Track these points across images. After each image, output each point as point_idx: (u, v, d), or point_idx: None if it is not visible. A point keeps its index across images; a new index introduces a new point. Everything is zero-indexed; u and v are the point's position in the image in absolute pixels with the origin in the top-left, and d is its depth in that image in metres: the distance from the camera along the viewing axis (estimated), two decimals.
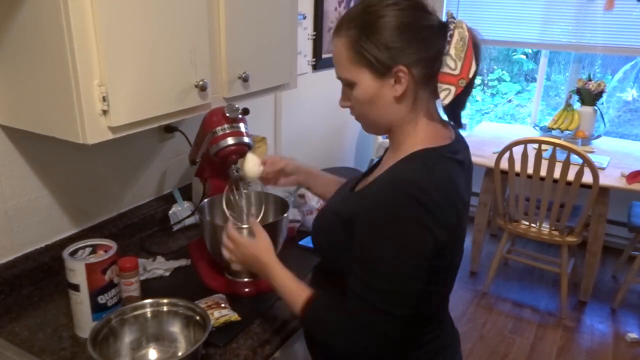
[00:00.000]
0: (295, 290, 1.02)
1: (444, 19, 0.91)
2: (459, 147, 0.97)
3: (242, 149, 1.37)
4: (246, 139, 1.37)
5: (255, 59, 1.47)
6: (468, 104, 0.92)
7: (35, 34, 1.02)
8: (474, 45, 0.88)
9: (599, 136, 3.34)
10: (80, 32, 0.98)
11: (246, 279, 1.38)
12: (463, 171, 0.95)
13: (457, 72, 0.86)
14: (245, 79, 1.43)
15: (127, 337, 1.11)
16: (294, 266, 1.48)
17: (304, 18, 2.56)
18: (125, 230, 1.60)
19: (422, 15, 0.87)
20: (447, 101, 0.88)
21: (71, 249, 1.14)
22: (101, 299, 1.14)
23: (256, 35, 1.45)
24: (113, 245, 1.17)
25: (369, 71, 0.88)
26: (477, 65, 0.88)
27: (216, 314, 1.18)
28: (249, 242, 1.09)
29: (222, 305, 1.23)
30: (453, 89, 0.87)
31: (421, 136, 0.92)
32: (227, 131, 1.35)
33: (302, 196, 1.75)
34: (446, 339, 1.08)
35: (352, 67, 0.90)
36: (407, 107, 0.91)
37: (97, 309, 1.14)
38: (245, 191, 1.47)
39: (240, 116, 1.37)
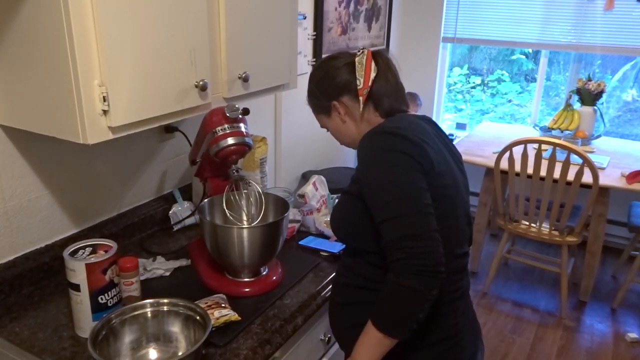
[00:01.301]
0: (362, 337, 1.08)
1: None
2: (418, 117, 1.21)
3: (242, 149, 1.38)
4: (246, 139, 1.37)
5: (255, 59, 1.47)
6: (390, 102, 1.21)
7: (36, 34, 1.03)
8: (375, 59, 1.17)
9: (599, 136, 3.34)
10: (80, 32, 0.98)
11: (246, 279, 1.38)
12: (429, 125, 1.19)
13: (361, 86, 1.16)
14: (245, 79, 1.43)
15: (127, 337, 1.11)
16: (294, 266, 1.49)
17: (304, 18, 2.56)
18: (125, 230, 1.60)
19: (331, 63, 1.21)
20: (360, 108, 1.18)
21: (71, 249, 1.14)
22: (101, 299, 1.14)
23: (256, 35, 1.45)
24: (113, 245, 1.17)
25: (324, 115, 1.24)
26: (381, 67, 1.17)
27: (216, 314, 1.18)
28: None
29: (222, 305, 1.23)
30: (361, 98, 1.17)
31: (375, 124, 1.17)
32: (227, 131, 1.35)
33: (302, 196, 1.75)
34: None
35: (318, 117, 1.27)
36: (354, 122, 1.21)
37: (97, 308, 1.14)
38: (245, 191, 1.47)
39: (240, 116, 1.37)
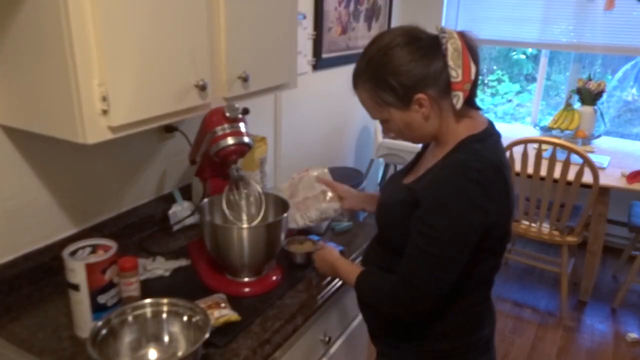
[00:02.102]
0: (351, 270, 1.21)
1: (435, 32, 1.04)
2: (494, 129, 1.11)
3: (242, 149, 1.37)
4: (246, 139, 1.37)
5: (255, 59, 1.47)
6: (477, 92, 1.10)
7: (35, 34, 1.02)
8: (469, 49, 1.01)
9: (599, 136, 3.34)
10: (80, 32, 0.98)
11: (246, 279, 1.38)
12: (502, 149, 1.10)
13: (459, 79, 1.00)
14: (245, 79, 1.42)
15: (127, 337, 1.11)
16: (294, 266, 1.49)
17: (304, 18, 2.56)
18: (125, 230, 1.60)
19: (417, 45, 1.01)
20: (459, 105, 1.02)
21: (71, 249, 1.14)
22: (101, 299, 1.14)
23: (256, 35, 1.45)
24: (113, 245, 1.17)
25: (395, 108, 1.05)
26: (476, 65, 1.02)
27: (216, 314, 1.18)
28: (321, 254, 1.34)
29: (222, 305, 1.23)
30: (461, 94, 1.01)
31: (459, 131, 1.06)
32: (227, 131, 1.35)
33: None
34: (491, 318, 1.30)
35: (380, 109, 1.07)
36: (437, 118, 1.05)
37: (97, 308, 1.14)
38: (245, 191, 1.47)
39: (240, 116, 1.37)
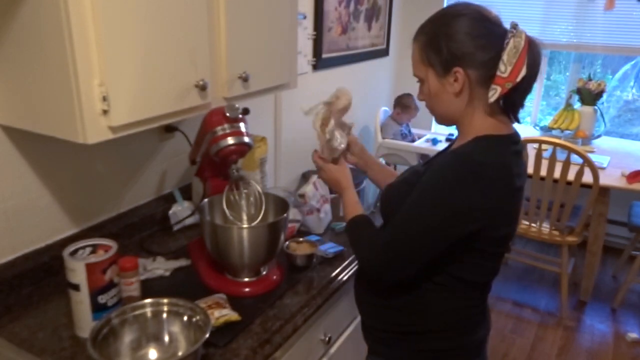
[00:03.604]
0: (354, 209, 1.23)
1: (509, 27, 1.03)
2: (518, 139, 1.10)
3: (242, 149, 1.38)
4: (246, 139, 1.37)
5: (255, 59, 1.47)
6: (524, 103, 1.09)
7: (36, 34, 1.02)
8: (530, 53, 1.00)
9: (599, 136, 3.34)
10: (80, 32, 0.98)
11: (246, 279, 1.38)
12: (519, 160, 1.08)
13: (505, 75, 0.99)
14: (245, 79, 1.42)
15: (127, 337, 1.11)
16: (294, 266, 1.49)
17: (304, 18, 2.56)
18: (125, 230, 1.60)
19: (483, 25, 1.02)
20: (492, 99, 1.01)
21: (71, 249, 1.14)
22: (101, 299, 1.14)
23: (256, 35, 1.45)
24: (113, 245, 1.17)
25: (433, 71, 1.06)
26: (531, 70, 1.00)
27: (216, 314, 1.18)
28: (333, 167, 1.31)
29: (222, 305, 1.23)
30: (499, 89, 1.00)
31: (482, 126, 1.06)
32: (227, 131, 1.35)
33: (302, 196, 1.75)
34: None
35: (422, 66, 1.08)
36: (465, 101, 1.06)
37: (97, 308, 1.14)
38: (245, 191, 1.47)
39: (240, 116, 1.37)
